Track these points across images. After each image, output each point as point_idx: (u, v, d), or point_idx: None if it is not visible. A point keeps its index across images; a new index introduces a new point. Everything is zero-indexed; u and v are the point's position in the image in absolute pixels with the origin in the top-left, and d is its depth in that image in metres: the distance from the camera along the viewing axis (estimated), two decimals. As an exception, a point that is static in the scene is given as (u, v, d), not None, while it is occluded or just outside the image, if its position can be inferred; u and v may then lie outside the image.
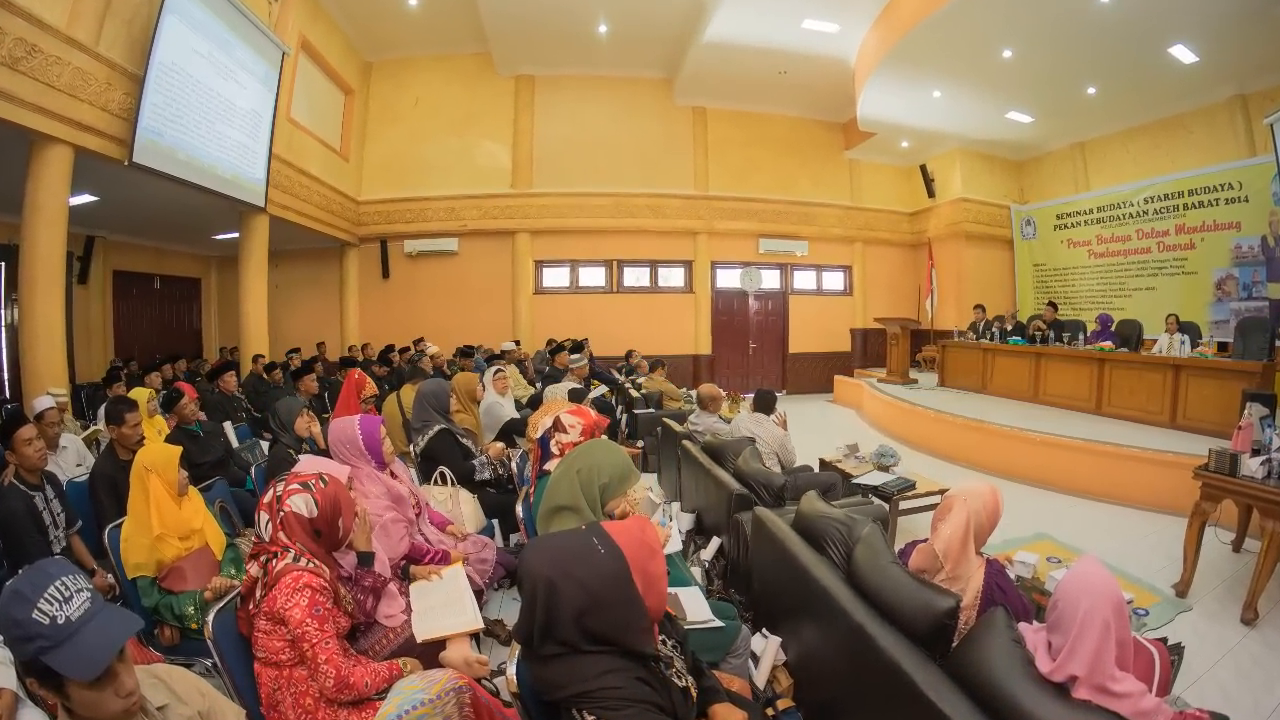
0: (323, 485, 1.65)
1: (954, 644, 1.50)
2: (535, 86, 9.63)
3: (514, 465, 3.34)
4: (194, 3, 5.16)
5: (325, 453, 2.62)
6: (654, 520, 2.41)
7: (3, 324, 5.95)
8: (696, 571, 2.79)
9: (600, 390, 5.92)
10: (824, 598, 1.77)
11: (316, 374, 5.78)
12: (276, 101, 6.60)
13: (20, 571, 1.05)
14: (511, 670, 1.25)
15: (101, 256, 7.83)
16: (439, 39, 9.08)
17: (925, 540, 1.83)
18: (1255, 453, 2.86)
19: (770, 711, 1.82)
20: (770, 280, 10.61)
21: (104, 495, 2.63)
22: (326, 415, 4.91)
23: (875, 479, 3.83)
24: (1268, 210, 6.97)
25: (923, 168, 10.45)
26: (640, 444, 5.41)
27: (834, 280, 11.03)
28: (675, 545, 2.51)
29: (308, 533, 1.59)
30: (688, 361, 10.06)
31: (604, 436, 2.30)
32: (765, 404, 4.07)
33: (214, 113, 5.62)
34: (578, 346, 6.94)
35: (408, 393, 4.54)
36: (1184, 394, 5.14)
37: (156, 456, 2.23)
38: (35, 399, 3.62)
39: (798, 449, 4.06)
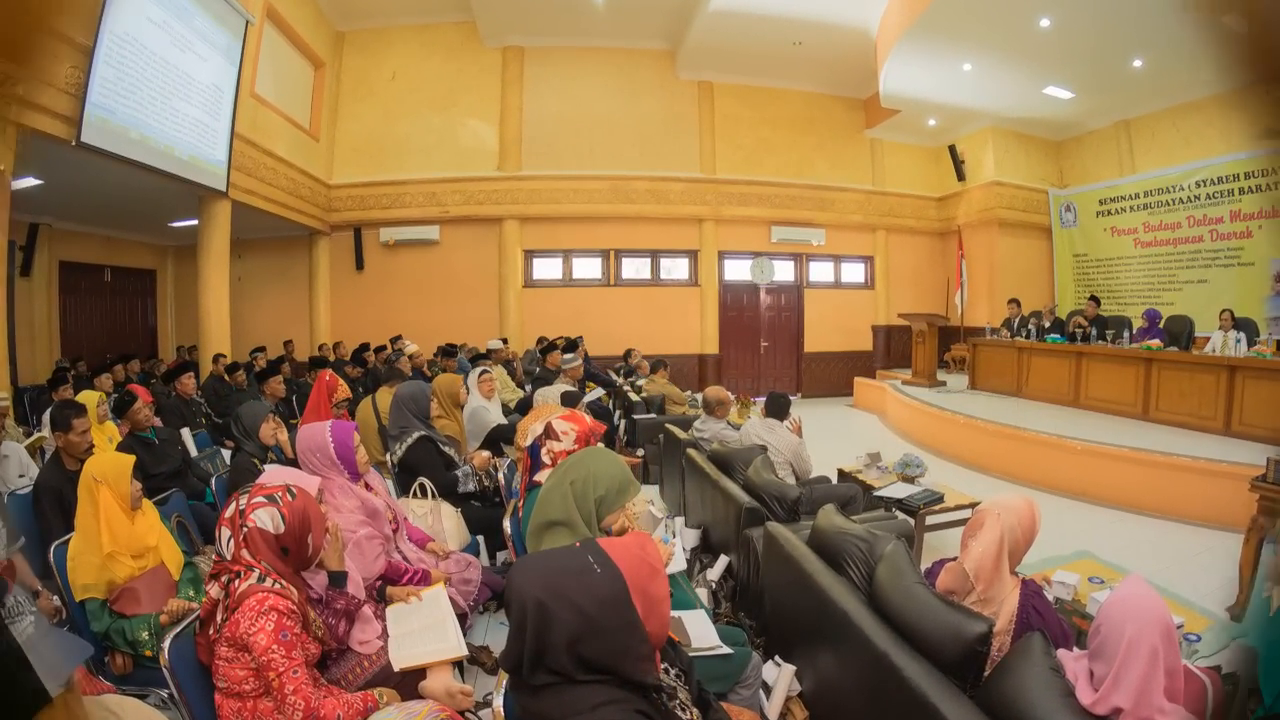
0: (290, 498, 1.65)
1: (986, 673, 1.50)
2: (524, 59, 9.62)
3: (501, 476, 3.34)
4: (149, -34, 5.17)
5: (293, 462, 2.62)
6: (655, 537, 2.42)
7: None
8: (702, 593, 2.79)
9: (596, 393, 5.93)
10: (843, 622, 1.77)
11: (283, 375, 5.78)
12: (239, 75, 6.60)
13: (-43, 593, 1.05)
14: (498, 702, 1.25)
15: (46, 246, 7.82)
16: (418, 6, 9.08)
17: (954, 559, 1.83)
18: (1318, 462, 2.86)
19: (784, 747, 1.82)
20: (784, 272, 10.62)
21: (49, 509, 2.63)
22: (294, 421, 4.92)
23: (899, 491, 3.84)
24: (1332, 195, 7.01)
25: (952, 148, 10.44)
26: (640, 453, 5.42)
27: (854, 272, 11.04)
28: (679, 564, 2.52)
29: (274, 550, 1.59)
30: (692, 362, 10.07)
31: (600, 444, 2.31)
32: (778, 408, 4.08)
33: (171, 88, 5.62)
34: (571, 345, 6.94)
35: (384, 396, 4.54)
36: (1240, 397, 5.14)
37: (107, 467, 2.23)
38: (-27, 403, 3.62)
39: (814, 458, 4.07)
